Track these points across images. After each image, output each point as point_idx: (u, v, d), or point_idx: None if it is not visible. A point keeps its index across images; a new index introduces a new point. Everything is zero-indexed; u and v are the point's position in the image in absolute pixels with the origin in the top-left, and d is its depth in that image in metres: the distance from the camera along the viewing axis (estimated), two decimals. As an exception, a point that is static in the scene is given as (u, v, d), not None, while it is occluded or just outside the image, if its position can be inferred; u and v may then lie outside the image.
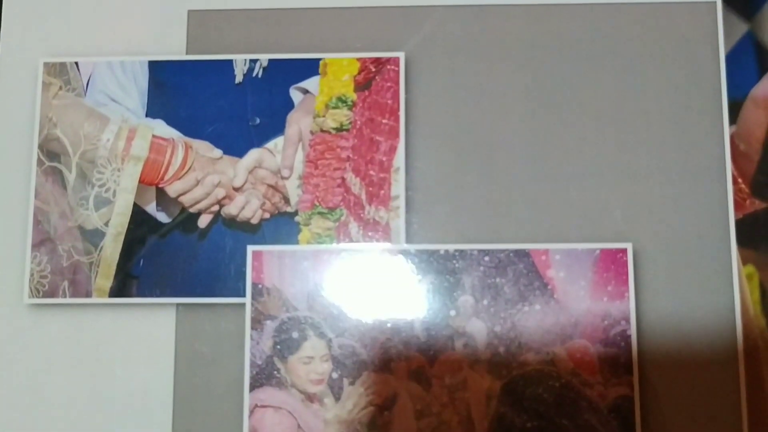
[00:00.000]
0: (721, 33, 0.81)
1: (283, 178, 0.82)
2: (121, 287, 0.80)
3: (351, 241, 0.80)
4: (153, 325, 0.80)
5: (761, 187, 0.78)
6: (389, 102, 0.82)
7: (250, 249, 0.80)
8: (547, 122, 0.81)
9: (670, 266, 0.78)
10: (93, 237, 0.81)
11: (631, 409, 0.76)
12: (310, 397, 0.78)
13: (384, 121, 0.82)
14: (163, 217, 0.82)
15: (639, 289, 0.78)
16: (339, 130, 0.82)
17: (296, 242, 0.80)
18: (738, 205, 0.78)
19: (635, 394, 0.76)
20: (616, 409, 0.76)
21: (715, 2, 0.82)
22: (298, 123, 0.82)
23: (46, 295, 0.80)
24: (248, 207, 0.81)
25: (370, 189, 0.81)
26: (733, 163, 0.79)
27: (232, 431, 0.77)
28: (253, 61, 0.83)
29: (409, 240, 0.80)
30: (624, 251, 0.78)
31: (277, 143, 0.82)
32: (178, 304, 0.80)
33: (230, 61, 0.83)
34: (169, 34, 0.84)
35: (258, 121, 0.82)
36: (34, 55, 0.84)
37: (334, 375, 0.78)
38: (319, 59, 0.83)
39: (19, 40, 0.85)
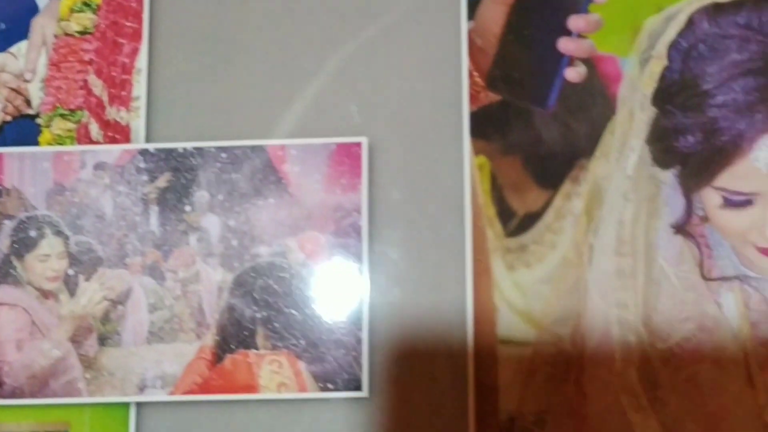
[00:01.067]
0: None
1: (25, 81, 0.82)
2: None
3: (92, 142, 0.81)
4: None
5: (496, 81, 0.79)
6: (133, 5, 0.82)
7: (-8, 151, 0.80)
8: (285, 21, 0.82)
9: (404, 158, 0.79)
10: None
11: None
12: (45, 294, 0.78)
13: (128, 24, 0.82)
14: None
15: (373, 182, 0.79)
16: (83, 33, 0.82)
17: (37, 144, 0.81)
18: (473, 98, 0.79)
19: (365, 284, 0.77)
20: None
21: None
22: (43, 27, 0.82)
23: None
24: (-7, 111, 0.81)
25: (112, 91, 0.81)
26: (469, 58, 0.80)
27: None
28: (0, -32, 0.83)
29: (149, 140, 0.81)
30: (359, 145, 0.79)
31: (20, 47, 0.82)
32: None
33: (-23, -32, 0.83)
34: None
35: (3, 26, 0.82)
36: None
37: (70, 272, 0.78)
38: (66, -35, 0.83)
39: None
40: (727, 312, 0.76)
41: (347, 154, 0.79)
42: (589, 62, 0.78)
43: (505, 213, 0.78)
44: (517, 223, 0.78)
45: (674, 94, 0.76)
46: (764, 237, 0.74)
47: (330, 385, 0.76)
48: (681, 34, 0.77)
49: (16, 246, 0.78)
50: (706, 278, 0.76)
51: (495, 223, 0.78)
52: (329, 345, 0.76)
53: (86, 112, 0.80)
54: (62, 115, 0.80)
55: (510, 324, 0.77)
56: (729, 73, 0.75)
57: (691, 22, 0.77)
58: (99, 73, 0.81)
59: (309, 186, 0.78)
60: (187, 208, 0.78)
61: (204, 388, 0.76)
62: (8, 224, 0.78)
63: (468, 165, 0.78)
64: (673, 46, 0.77)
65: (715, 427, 0.74)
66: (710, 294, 0.76)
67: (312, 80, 0.81)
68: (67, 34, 0.81)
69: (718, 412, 0.74)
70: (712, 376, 0.75)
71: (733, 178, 0.74)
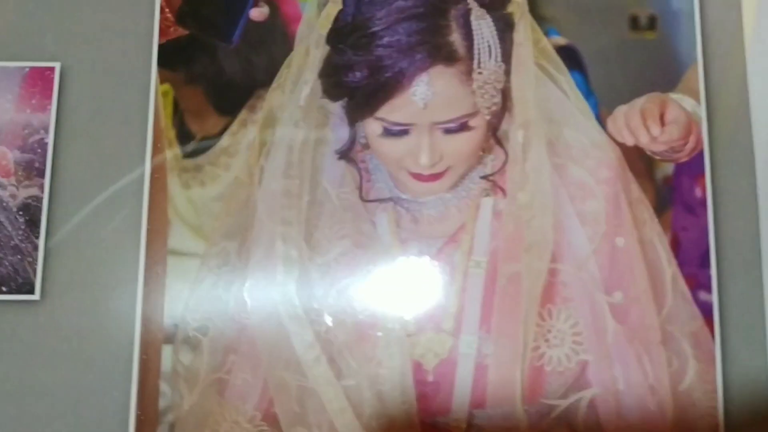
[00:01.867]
0: None
1: None
2: None
3: None
4: None
5: (185, 17, 0.86)
6: None
7: None
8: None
9: (95, 84, 0.85)
10: None
11: (39, 207, 0.82)
12: None
13: None
14: None
15: (63, 104, 0.84)
16: None
17: None
18: (163, 32, 0.86)
19: (45, 195, 0.82)
20: (25, 208, 0.82)
21: None
22: None
23: None
24: None
25: None
26: None
27: None
28: None
29: None
30: (52, 69, 0.84)
31: None
32: None
33: None
34: None
35: None
36: None
37: None
38: None
39: None
40: (380, 230, 0.83)
41: (41, 78, 0.84)
42: (273, 4, 0.86)
43: (184, 136, 0.84)
44: (194, 145, 0.85)
45: (346, 34, 0.84)
46: (417, 163, 0.82)
47: (4, 288, 0.80)
48: None
49: None
50: (364, 200, 0.83)
51: (174, 145, 0.84)
52: (6, 251, 0.80)
53: None
54: None
55: (182, 237, 0.82)
56: (395, 17, 0.83)
57: None
58: None
59: (1, 106, 0.83)
60: None
61: None
62: None
63: (153, 92, 0.84)
64: None
65: (365, 336, 0.79)
66: (367, 214, 0.83)
67: (8, 6, 0.86)
68: None
69: (367, 321, 0.80)
70: (364, 287, 0.82)
71: (393, 110, 0.82)
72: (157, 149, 0.83)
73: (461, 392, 0.79)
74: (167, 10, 0.86)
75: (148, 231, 0.81)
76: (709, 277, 0.79)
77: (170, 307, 0.80)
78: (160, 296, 0.80)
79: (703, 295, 0.79)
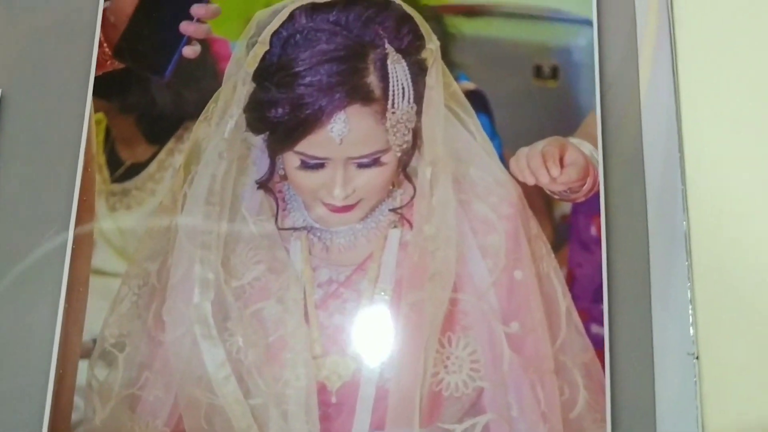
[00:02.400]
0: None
1: None
2: None
3: None
4: None
5: (122, 52, 0.92)
6: None
7: None
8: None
9: (34, 110, 0.90)
10: None
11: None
12: None
13: None
14: None
15: (2, 128, 0.89)
16: None
17: None
18: (100, 64, 0.91)
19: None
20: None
21: None
22: None
23: None
24: None
25: None
26: (102, 31, 0.92)
27: None
28: None
29: None
30: (-8, 95, 0.90)
31: None
32: None
33: None
34: None
35: None
36: None
37: None
38: None
39: None
40: (294, 257, 0.87)
41: (-20, 103, 0.89)
42: (205, 42, 0.92)
43: (114, 162, 0.89)
44: (123, 171, 0.89)
45: (272, 73, 0.89)
46: (331, 195, 0.86)
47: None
48: (283, 25, 0.90)
49: None
50: (279, 227, 0.87)
51: (104, 170, 0.89)
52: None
53: None
54: None
55: (105, 257, 0.86)
56: (317, 59, 0.88)
57: (292, 16, 0.90)
58: None
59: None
60: None
61: None
62: None
63: (87, 119, 0.90)
64: (276, 35, 0.90)
65: (274, 357, 0.84)
66: (281, 241, 0.87)
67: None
68: None
69: (277, 343, 0.85)
70: (275, 312, 0.85)
71: (311, 144, 0.86)
72: (86, 173, 0.88)
73: (362, 414, 0.83)
74: (105, 44, 0.92)
75: (73, 250, 0.86)
76: (601, 311, 0.83)
77: (90, 324, 0.84)
78: (80, 313, 0.84)
79: (595, 328, 0.83)
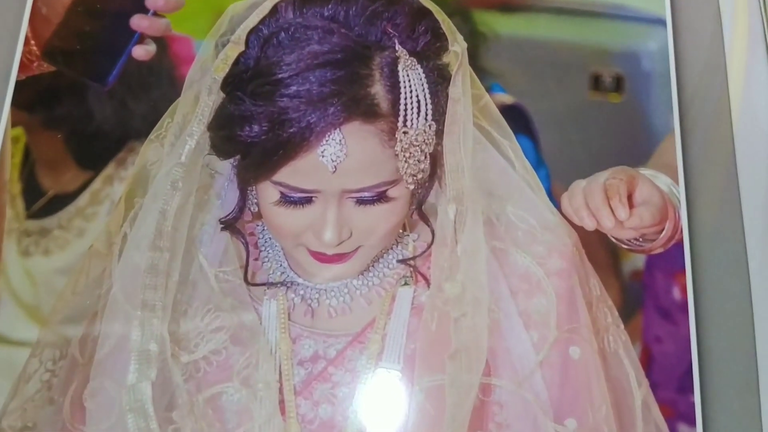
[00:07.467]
0: None
1: None
2: None
3: None
4: None
5: (53, 52, 0.73)
6: None
7: None
8: None
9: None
10: None
11: None
12: None
13: None
14: None
15: None
16: None
17: None
18: (24, 67, 0.73)
19: None
20: None
21: None
22: None
23: None
24: None
25: None
26: (30, 26, 0.74)
27: None
28: None
29: None
30: None
31: None
32: None
33: None
34: None
35: None
36: None
37: None
38: None
39: None
40: (266, 323, 0.66)
41: None
42: (162, 41, 0.73)
43: (32, 191, 0.70)
44: (43, 204, 0.70)
45: (246, 80, 0.69)
46: (319, 239, 0.66)
47: None
48: (264, 21, 0.71)
49: None
50: (249, 283, 0.67)
51: (17, 202, 0.70)
52: None
53: None
54: None
55: (11, 319, 0.66)
56: (307, 63, 0.68)
57: (275, 10, 0.71)
58: None
59: None
60: None
61: None
62: None
63: (1, 135, 0.71)
64: (254, 33, 0.70)
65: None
66: (251, 301, 0.67)
67: None
68: None
69: (239, 442, 0.63)
70: (239, 398, 0.64)
71: (295, 172, 0.66)
72: (-6, 206, 0.68)
73: None
74: (33, 42, 0.73)
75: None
76: (691, 405, 0.65)
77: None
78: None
79: (683, 429, 0.65)
